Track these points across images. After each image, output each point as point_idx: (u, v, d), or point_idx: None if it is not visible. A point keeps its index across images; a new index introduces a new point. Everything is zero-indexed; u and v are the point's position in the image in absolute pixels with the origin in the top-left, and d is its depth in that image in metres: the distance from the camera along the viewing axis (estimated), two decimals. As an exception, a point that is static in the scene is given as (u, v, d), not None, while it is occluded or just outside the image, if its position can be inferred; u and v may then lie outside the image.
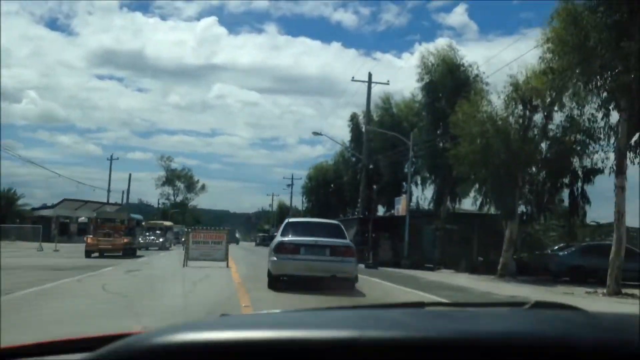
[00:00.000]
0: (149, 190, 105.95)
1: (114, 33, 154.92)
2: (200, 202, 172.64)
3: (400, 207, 28.80)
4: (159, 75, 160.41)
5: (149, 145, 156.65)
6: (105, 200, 63.35)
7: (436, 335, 0.82)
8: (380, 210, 37.67)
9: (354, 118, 40.37)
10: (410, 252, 26.79)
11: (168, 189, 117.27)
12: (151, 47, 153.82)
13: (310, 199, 57.68)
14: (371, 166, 34.09)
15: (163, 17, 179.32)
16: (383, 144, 33.80)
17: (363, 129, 38.94)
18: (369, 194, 34.98)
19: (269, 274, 11.95)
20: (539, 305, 1.16)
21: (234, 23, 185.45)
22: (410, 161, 27.79)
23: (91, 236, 24.48)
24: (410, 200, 27.81)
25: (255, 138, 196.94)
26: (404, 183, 34.66)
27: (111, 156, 68.17)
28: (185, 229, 24.03)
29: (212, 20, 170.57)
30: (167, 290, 11.61)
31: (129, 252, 24.12)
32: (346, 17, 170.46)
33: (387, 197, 35.35)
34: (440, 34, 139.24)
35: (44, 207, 58.07)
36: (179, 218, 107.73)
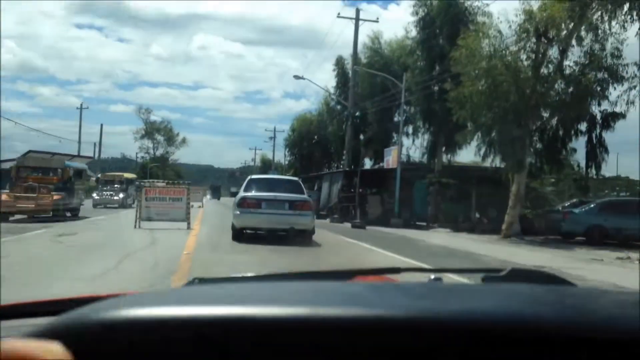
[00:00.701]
0: (130, 145, 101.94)
1: None
2: (183, 156, 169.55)
3: (391, 158, 25.79)
4: (141, 25, 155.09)
5: (131, 97, 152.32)
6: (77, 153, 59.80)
7: (390, 314, 0.76)
8: (368, 164, 34.68)
9: (339, 62, 36.83)
10: (401, 209, 23.97)
11: (147, 142, 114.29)
12: None
13: (293, 152, 54.49)
14: (358, 114, 30.85)
15: None
16: (371, 90, 30.53)
17: (350, 74, 35.59)
18: (355, 145, 31.90)
19: (233, 227, 12.70)
20: (515, 273, 1.16)
21: None
22: (402, 107, 24.61)
23: (7, 192, 18.48)
24: (401, 151, 24.76)
25: (239, 91, 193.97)
26: (395, 133, 31.59)
27: (81, 105, 63.94)
28: (139, 184, 19.82)
29: None
30: (90, 262, 8.99)
31: (61, 212, 18.95)
32: None
33: (375, 148, 32.28)
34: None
35: (8, 160, 54.27)
36: (158, 173, 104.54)
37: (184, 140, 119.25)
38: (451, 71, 21.59)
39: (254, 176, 15.25)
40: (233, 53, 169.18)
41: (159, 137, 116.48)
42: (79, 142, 62.00)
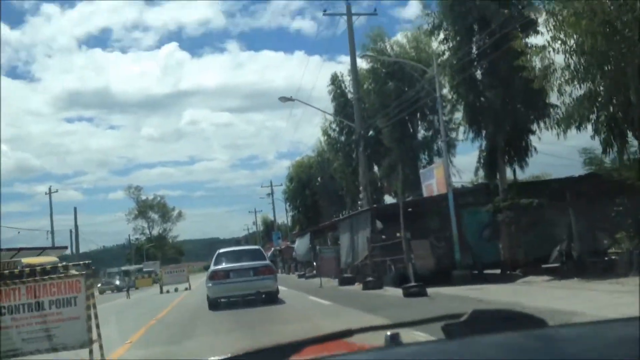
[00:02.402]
0: (127, 231, 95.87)
1: (76, 73, 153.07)
2: (187, 232, 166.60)
3: (434, 182, 17.84)
4: (129, 110, 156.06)
5: (129, 182, 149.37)
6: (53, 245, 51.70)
7: None
8: (390, 201, 26.67)
9: (335, 80, 29.45)
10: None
11: (142, 222, 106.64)
12: (116, 83, 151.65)
13: (295, 205, 46.55)
14: (371, 133, 23.10)
15: (123, 50, 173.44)
16: (382, 100, 23.10)
17: (349, 92, 28.21)
18: (372, 178, 24.04)
19: (208, 298, 14.13)
20: (477, 317, 1.11)
21: (194, 46, 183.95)
22: (439, 100, 16.70)
23: None
24: (449, 166, 16.68)
25: (234, 159, 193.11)
26: (422, 153, 23.77)
27: (49, 188, 55.94)
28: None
29: (172, 46, 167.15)
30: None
31: None
32: (305, 24, 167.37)
33: (397, 177, 24.34)
34: (400, 28, 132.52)
35: None
36: (156, 254, 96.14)
37: (180, 214, 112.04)
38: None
39: (221, 250, 15.83)
40: (222, 123, 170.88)
41: (153, 215, 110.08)
42: (52, 232, 54.03)
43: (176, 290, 27.24)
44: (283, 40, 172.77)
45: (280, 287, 19.08)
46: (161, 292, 27.18)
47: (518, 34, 14.86)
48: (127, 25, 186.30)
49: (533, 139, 16.96)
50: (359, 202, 23.86)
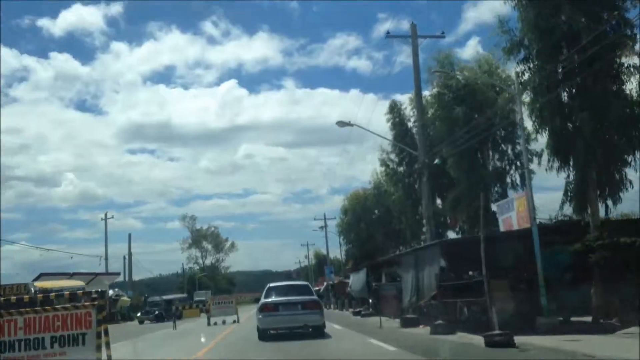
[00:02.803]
0: (182, 260, 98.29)
1: (140, 107, 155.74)
2: (239, 264, 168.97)
3: (514, 215, 15.92)
4: (188, 143, 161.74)
5: (185, 212, 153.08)
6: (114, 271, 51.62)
7: None
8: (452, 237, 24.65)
9: (394, 108, 27.97)
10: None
11: (195, 252, 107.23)
12: (177, 117, 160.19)
13: (348, 238, 44.85)
14: (437, 161, 21.39)
15: (185, 86, 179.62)
16: (450, 127, 21.39)
17: (409, 120, 26.80)
18: (435, 208, 22.27)
19: (258, 329, 15.06)
20: None
21: (252, 83, 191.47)
22: (521, 123, 14.92)
23: None
24: (532, 197, 14.72)
25: (287, 193, 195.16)
26: (494, 186, 21.86)
27: (105, 214, 56.88)
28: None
29: (232, 83, 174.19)
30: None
31: None
32: (361, 64, 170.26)
33: (464, 211, 22.48)
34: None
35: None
36: (208, 283, 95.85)
37: (232, 245, 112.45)
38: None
39: (271, 284, 16.69)
40: (277, 157, 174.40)
41: (207, 245, 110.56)
42: (106, 258, 54.32)
43: (224, 322, 25.92)
44: (339, 78, 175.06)
45: (335, 326, 17.37)
46: (209, 323, 25.91)
47: (614, 51, 13.11)
48: (189, 63, 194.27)
49: (628, 171, 14.91)
50: (421, 237, 22.02)
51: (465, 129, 20.02)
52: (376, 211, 38.47)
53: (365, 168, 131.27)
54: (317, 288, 70.61)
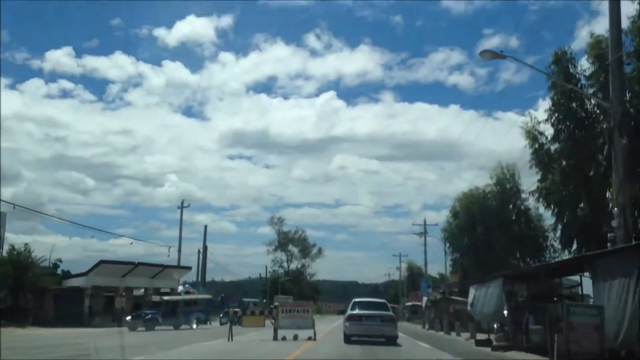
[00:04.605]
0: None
1: (241, 115, 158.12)
2: (326, 273, 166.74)
3: None
4: (284, 151, 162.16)
5: (274, 214, 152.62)
6: (173, 264, 46.29)
7: None
8: None
9: (559, 58, 19.45)
10: None
11: (281, 255, 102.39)
12: (275, 125, 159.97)
13: (456, 246, 36.43)
14: None
15: (285, 96, 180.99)
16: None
17: (580, 74, 18.67)
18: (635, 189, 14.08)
19: (344, 334, 18.74)
20: None
21: (350, 95, 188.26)
22: None
23: None
24: None
25: (379, 206, 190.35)
26: None
27: (182, 203, 51.87)
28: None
29: (330, 94, 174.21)
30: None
31: None
32: (462, 79, 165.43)
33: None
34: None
35: (75, 275, 41.74)
36: (292, 289, 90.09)
37: (320, 251, 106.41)
38: None
39: (356, 299, 20.78)
40: (370, 170, 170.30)
41: (293, 249, 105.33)
42: (179, 250, 49.20)
43: (295, 338, 18.99)
44: (438, 94, 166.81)
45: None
46: (275, 338, 19.06)
47: None
48: (291, 74, 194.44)
49: None
50: (609, 235, 13.72)
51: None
52: (498, 213, 30.24)
53: (462, 185, 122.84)
54: (410, 303, 62.81)
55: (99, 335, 20.61)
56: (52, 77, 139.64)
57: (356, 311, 18.77)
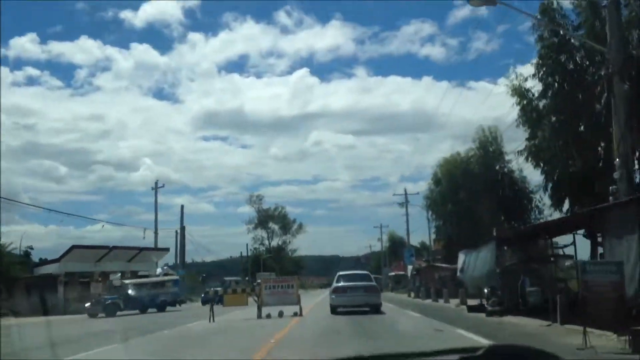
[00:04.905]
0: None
1: (214, 96, 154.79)
2: (307, 249, 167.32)
3: None
4: (259, 130, 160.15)
5: (252, 193, 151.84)
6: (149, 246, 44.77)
7: None
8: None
9: (547, 10, 18.43)
10: None
11: (261, 232, 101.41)
12: (249, 105, 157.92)
13: (439, 213, 35.72)
14: None
15: (258, 75, 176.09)
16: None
17: (568, 25, 17.68)
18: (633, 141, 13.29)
19: (331, 306, 19.46)
20: (494, 352, 1.19)
21: (324, 71, 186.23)
22: None
23: None
24: None
25: (356, 180, 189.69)
26: None
27: (156, 183, 50.35)
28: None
29: (303, 71, 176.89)
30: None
31: None
32: (434, 51, 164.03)
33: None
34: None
35: (47, 261, 40.21)
36: (274, 265, 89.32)
37: (300, 227, 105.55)
38: None
39: (340, 272, 21.72)
40: (346, 145, 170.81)
41: (274, 226, 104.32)
42: (155, 232, 47.70)
43: (280, 315, 18.03)
44: (411, 66, 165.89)
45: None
46: (259, 316, 18.07)
47: None
48: (263, 53, 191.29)
49: None
50: (610, 188, 12.91)
51: None
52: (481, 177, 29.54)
53: (438, 156, 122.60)
54: (393, 273, 62.49)
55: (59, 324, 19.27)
56: (17, 64, 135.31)
57: (341, 283, 19.59)
